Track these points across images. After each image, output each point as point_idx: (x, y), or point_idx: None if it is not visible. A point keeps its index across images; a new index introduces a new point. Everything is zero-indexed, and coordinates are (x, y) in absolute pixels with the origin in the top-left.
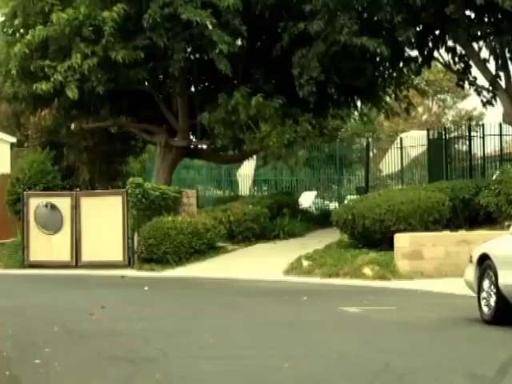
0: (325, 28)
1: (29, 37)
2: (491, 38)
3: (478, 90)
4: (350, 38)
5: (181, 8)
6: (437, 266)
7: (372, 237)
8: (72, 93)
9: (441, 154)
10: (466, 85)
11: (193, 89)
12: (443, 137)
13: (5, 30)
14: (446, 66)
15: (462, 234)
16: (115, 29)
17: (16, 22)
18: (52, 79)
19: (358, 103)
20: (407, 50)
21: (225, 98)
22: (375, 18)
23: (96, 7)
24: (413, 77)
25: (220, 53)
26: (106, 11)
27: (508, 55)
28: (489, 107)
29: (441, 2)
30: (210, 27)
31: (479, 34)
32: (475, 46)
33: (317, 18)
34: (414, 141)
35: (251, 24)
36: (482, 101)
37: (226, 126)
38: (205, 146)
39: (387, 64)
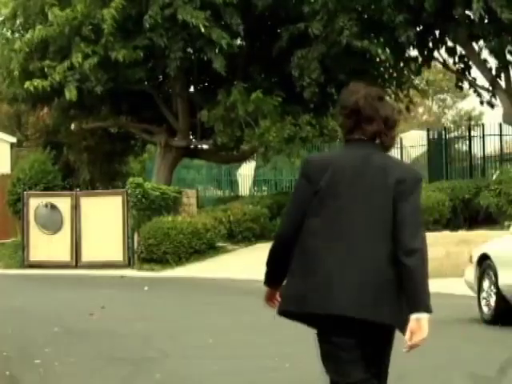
0: (324, 29)
1: (28, 36)
2: (491, 38)
3: (478, 91)
4: (351, 39)
5: (180, 9)
6: (437, 266)
7: None
8: (70, 94)
9: (441, 154)
10: (466, 86)
11: (192, 89)
12: (443, 137)
13: (5, 29)
14: (446, 66)
15: (461, 233)
16: (115, 28)
17: (17, 22)
18: (50, 78)
19: None
20: (407, 50)
21: (224, 96)
22: (376, 19)
23: (96, 6)
24: (413, 77)
25: (219, 51)
26: (105, 8)
27: (508, 55)
28: (488, 108)
29: (446, 3)
30: (203, 30)
31: (479, 34)
32: (475, 46)
33: (316, 19)
34: (414, 141)
35: (251, 24)
36: (481, 101)
37: (226, 124)
38: (205, 146)
39: (387, 64)
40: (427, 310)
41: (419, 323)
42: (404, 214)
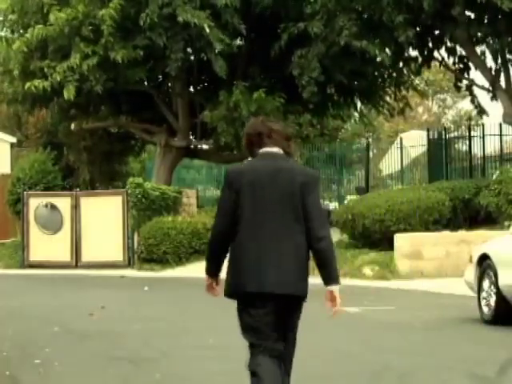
0: (324, 29)
1: (28, 35)
2: (491, 38)
3: (473, 97)
4: (350, 40)
5: (179, 9)
6: (437, 266)
7: (372, 237)
8: (68, 93)
9: (441, 154)
10: (464, 87)
11: (192, 89)
12: (443, 137)
13: (4, 28)
14: (446, 66)
15: (461, 234)
16: (114, 28)
17: (12, 17)
18: (50, 79)
19: (358, 104)
20: (407, 50)
21: (226, 96)
22: (375, 19)
23: (95, 6)
24: (413, 77)
25: (218, 53)
26: (103, 9)
27: (508, 55)
28: (488, 107)
29: (444, 3)
30: (208, 30)
31: (479, 34)
32: (475, 46)
33: (316, 18)
34: (414, 141)
35: (251, 24)
36: (475, 106)
37: (229, 124)
38: (205, 146)
39: (387, 64)
40: (338, 282)
41: (332, 294)
42: (312, 208)
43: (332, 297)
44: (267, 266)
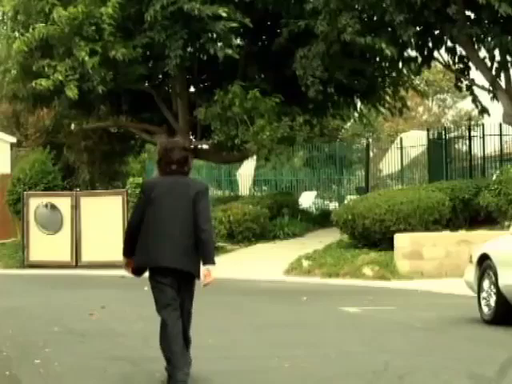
0: (327, 27)
1: (28, 35)
2: (491, 38)
3: (474, 97)
4: (354, 37)
5: (187, 5)
6: (437, 266)
7: (372, 237)
8: (72, 92)
9: (441, 154)
10: (464, 87)
11: (192, 89)
12: (443, 137)
13: (5, 28)
14: (446, 66)
15: (462, 234)
16: (115, 27)
17: (18, 18)
18: (52, 78)
19: (358, 104)
20: (408, 49)
21: (221, 95)
22: (376, 18)
23: (95, 6)
24: (412, 77)
25: (221, 49)
26: (103, 7)
27: (508, 56)
28: (488, 107)
29: (442, 1)
30: (224, 14)
31: (479, 34)
32: (475, 46)
33: (319, 18)
34: (414, 141)
35: (252, 23)
36: (476, 106)
37: (222, 122)
38: (205, 146)
39: (387, 64)
40: (213, 263)
41: (209, 271)
42: (199, 210)
43: (208, 273)
44: (165, 247)
